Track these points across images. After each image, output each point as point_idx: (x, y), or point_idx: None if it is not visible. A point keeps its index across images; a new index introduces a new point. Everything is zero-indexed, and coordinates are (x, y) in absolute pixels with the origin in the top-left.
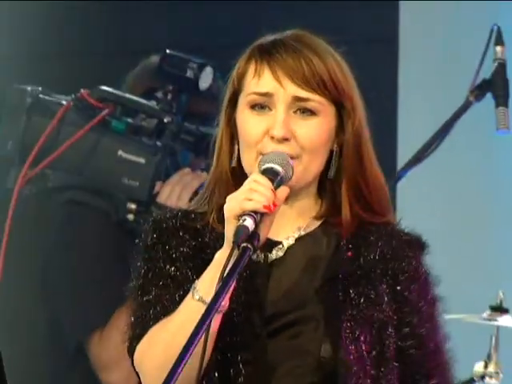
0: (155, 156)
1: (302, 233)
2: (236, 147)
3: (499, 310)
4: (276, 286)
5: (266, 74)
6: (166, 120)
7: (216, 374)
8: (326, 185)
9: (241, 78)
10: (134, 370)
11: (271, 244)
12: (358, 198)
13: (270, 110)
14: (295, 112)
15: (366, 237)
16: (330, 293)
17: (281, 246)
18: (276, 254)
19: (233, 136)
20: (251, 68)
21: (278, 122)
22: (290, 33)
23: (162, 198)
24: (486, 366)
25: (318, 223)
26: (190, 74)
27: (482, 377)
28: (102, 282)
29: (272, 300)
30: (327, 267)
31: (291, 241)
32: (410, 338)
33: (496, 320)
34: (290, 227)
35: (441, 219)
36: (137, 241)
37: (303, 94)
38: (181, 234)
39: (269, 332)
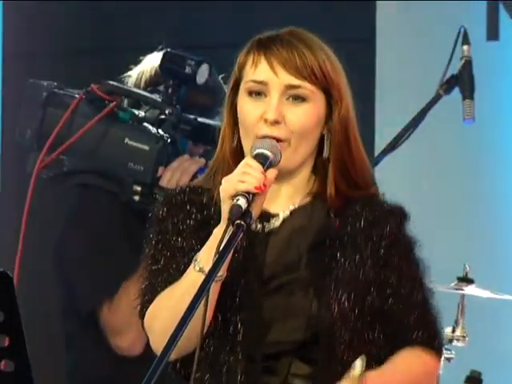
0: (158, 143)
1: (297, 206)
2: (236, 131)
3: (465, 280)
4: (272, 252)
5: (263, 64)
6: (167, 111)
7: (217, 333)
8: (319, 165)
9: (241, 68)
10: (144, 331)
11: (269, 216)
12: (345, 176)
13: (266, 96)
14: (287, 99)
15: (352, 208)
16: (318, 257)
17: (277, 217)
18: (273, 224)
19: (235, 121)
20: (250, 59)
21: (271, 106)
22: (287, 29)
23: (163, 182)
24: (453, 331)
25: (310, 198)
26: (188, 70)
27: (451, 340)
28: (111, 256)
29: (268, 264)
30: (316, 235)
31: (287, 213)
32: (392, 297)
33: (462, 289)
34: (286, 202)
35: (413, 199)
36: (150, 214)
37: (295, 82)
38: (188, 207)
39: (265, 293)
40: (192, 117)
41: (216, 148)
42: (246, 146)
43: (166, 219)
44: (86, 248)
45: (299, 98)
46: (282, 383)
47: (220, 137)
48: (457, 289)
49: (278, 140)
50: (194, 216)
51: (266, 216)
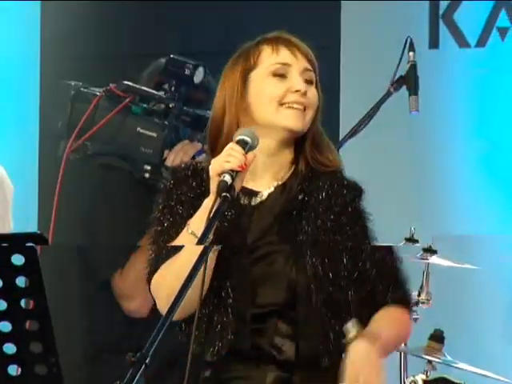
0: (163, 131)
1: (279, 183)
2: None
3: (429, 251)
4: (256, 224)
5: (284, 50)
6: (170, 105)
7: (211, 297)
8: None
9: (255, 58)
10: (151, 295)
11: (255, 192)
12: (317, 150)
13: (286, 78)
14: (305, 81)
15: (316, 183)
16: (285, 225)
17: (262, 194)
18: (259, 199)
19: (238, 106)
20: (266, 49)
21: (299, 81)
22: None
23: (168, 162)
24: (419, 295)
25: (293, 175)
26: (187, 72)
27: (417, 303)
28: (123, 227)
29: (253, 235)
30: (284, 206)
31: (270, 190)
32: (366, 263)
33: (427, 259)
34: (271, 180)
35: (370, 174)
36: (160, 185)
37: (309, 66)
38: (190, 181)
39: (251, 261)
40: (191, 110)
41: None
42: (268, 115)
43: (172, 190)
44: (104, 217)
45: (309, 82)
46: (269, 343)
47: (225, 123)
48: (422, 258)
49: (305, 108)
50: (194, 189)
51: (252, 192)
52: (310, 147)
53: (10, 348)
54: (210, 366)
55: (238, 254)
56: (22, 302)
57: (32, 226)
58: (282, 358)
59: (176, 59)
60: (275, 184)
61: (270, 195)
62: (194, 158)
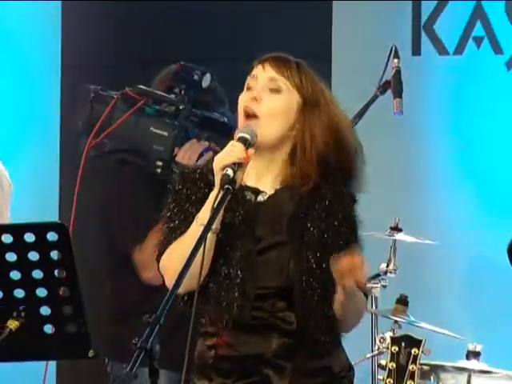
0: (174, 131)
1: (279, 187)
2: None
3: (396, 229)
4: (261, 219)
5: (258, 66)
6: (180, 107)
7: (221, 277)
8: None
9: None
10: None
11: (259, 191)
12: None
13: (254, 90)
14: (269, 90)
15: (319, 190)
16: (295, 226)
17: (265, 193)
18: (262, 198)
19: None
20: (254, 67)
21: (256, 89)
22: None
23: (178, 158)
24: (387, 266)
25: (288, 182)
26: (196, 77)
27: (385, 272)
28: (140, 212)
29: (259, 228)
30: (293, 210)
31: (272, 191)
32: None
33: (394, 236)
34: (271, 182)
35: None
36: (169, 186)
37: (275, 75)
38: (198, 183)
39: (257, 249)
40: (198, 111)
41: (216, 134)
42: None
43: (181, 190)
44: (122, 206)
45: (276, 91)
46: (271, 316)
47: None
48: (390, 235)
49: (253, 115)
50: (201, 189)
51: (257, 191)
52: (299, 159)
53: (46, 310)
54: (216, 336)
55: (247, 242)
56: (56, 272)
57: (53, 216)
58: (284, 327)
59: (186, 66)
60: (277, 185)
61: (272, 196)
62: (201, 154)
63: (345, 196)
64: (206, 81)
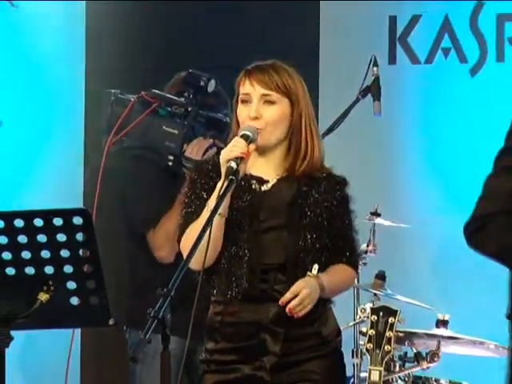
0: (183, 129)
1: (280, 177)
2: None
3: (375, 214)
4: (265, 205)
5: (247, 83)
6: (189, 109)
7: (232, 255)
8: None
9: (238, 88)
10: (180, 250)
11: (263, 181)
12: (299, 156)
13: (250, 103)
14: (263, 103)
15: (315, 178)
16: (293, 210)
17: (268, 183)
18: (265, 187)
19: (237, 120)
20: (241, 82)
21: (252, 108)
22: (268, 61)
23: (187, 153)
24: (367, 246)
25: (288, 171)
26: (202, 83)
27: (366, 252)
28: (154, 200)
29: (263, 213)
30: (293, 196)
31: (274, 180)
32: (336, 235)
33: (373, 220)
34: (272, 173)
35: (344, 163)
36: (184, 175)
37: (266, 92)
38: (211, 174)
39: (261, 230)
40: (204, 113)
41: (219, 133)
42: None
43: (197, 180)
44: (138, 194)
45: (270, 102)
46: (271, 288)
47: (231, 133)
48: (370, 220)
49: (258, 129)
50: (214, 179)
51: (261, 180)
52: (296, 154)
53: (72, 285)
54: (223, 304)
55: (253, 224)
56: (80, 251)
57: (78, 203)
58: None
59: (194, 73)
60: (278, 176)
61: (274, 184)
62: (207, 150)
63: (337, 181)
64: (211, 86)
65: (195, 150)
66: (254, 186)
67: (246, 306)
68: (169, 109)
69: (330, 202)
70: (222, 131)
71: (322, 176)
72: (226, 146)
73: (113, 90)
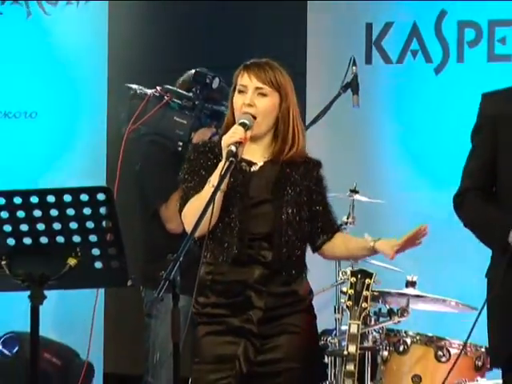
0: (191, 120)
1: (267, 159)
2: (233, 115)
3: (354, 191)
4: (253, 183)
5: (245, 75)
6: (196, 103)
7: (224, 225)
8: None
9: (235, 79)
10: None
11: (252, 163)
12: (286, 142)
13: (245, 93)
14: (257, 95)
15: (295, 162)
16: (277, 188)
17: (256, 165)
18: (254, 168)
19: (232, 109)
20: (240, 74)
21: (248, 97)
22: (263, 59)
23: (194, 140)
24: (347, 218)
25: (273, 155)
26: (208, 80)
27: (346, 223)
28: (166, 180)
29: (252, 189)
30: (276, 176)
31: (261, 163)
32: (318, 207)
33: (352, 196)
34: (260, 156)
35: (328, 148)
36: (187, 155)
37: (260, 85)
38: (208, 154)
39: (250, 205)
40: (210, 106)
41: (221, 123)
42: (237, 120)
43: (195, 159)
44: (152, 174)
45: (262, 94)
46: (256, 253)
47: (226, 118)
48: (349, 196)
49: (253, 116)
50: (210, 159)
51: (250, 163)
52: (283, 140)
53: (96, 251)
54: (213, 266)
55: (243, 200)
56: (103, 223)
57: (102, 182)
58: (265, 261)
59: (201, 72)
60: (265, 159)
61: (262, 166)
62: (210, 137)
63: (314, 164)
64: (216, 83)
65: (201, 138)
66: (244, 168)
67: (234, 268)
68: (179, 102)
69: (308, 182)
70: (223, 122)
71: (301, 160)
72: (222, 131)
73: (133, 86)
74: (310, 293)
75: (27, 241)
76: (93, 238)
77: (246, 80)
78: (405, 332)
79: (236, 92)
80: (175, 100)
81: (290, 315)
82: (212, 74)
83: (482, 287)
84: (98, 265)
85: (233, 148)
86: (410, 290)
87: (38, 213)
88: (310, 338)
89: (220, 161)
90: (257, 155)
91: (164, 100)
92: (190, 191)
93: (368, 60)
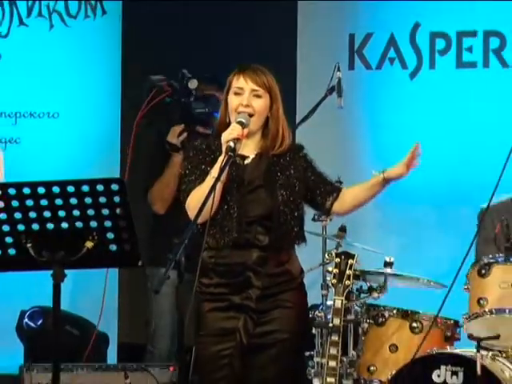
0: (175, 116)
1: (258, 152)
2: (227, 114)
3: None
4: (247, 173)
5: (241, 78)
6: (182, 100)
7: (224, 211)
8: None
9: (230, 82)
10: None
11: (244, 156)
12: (275, 137)
13: (241, 95)
14: (253, 96)
15: (285, 153)
16: (269, 175)
17: (249, 158)
18: (247, 161)
19: (226, 109)
20: (235, 77)
21: (245, 98)
22: (254, 65)
23: (168, 138)
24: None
25: (263, 148)
26: (185, 81)
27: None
28: (152, 168)
29: (247, 179)
30: (267, 165)
31: (253, 155)
32: (313, 179)
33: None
34: (252, 150)
35: (314, 141)
36: (185, 154)
37: (255, 87)
38: (206, 151)
39: (246, 191)
40: (188, 103)
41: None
42: (233, 119)
43: (195, 156)
44: (160, 159)
45: (258, 96)
46: (253, 237)
47: (219, 118)
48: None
49: (250, 114)
50: (208, 155)
51: (243, 157)
52: (273, 135)
53: (110, 235)
54: (215, 249)
55: (239, 188)
56: (118, 210)
57: (116, 174)
58: (261, 245)
59: (184, 74)
60: (255, 153)
61: (253, 159)
62: (180, 134)
63: (297, 147)
64: (193, 83)
65: (171, 135)
66: (238, 161)
67: (234, 252)
68: (171, 98)
69: (295, 164)
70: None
71: (286, 150)
72: (215, 129)
73: (154, 77)
74: (302, 272)
75: (50, 226)
76: (108, 223)
77: (242, 83)
78: (383, 307)
79: (231, 93)
80: (172, 96)
81: (284, 292)
82: (189, 75)
83: (452, 267)
84: (113, 247)
85: (231, 144)
86: (388, 270)
87: (59, 201)
88: (301, 312)
89: (216, 156)
90: (249, 150)
91: (163, 95)
92: (191, 184)
93: (351, 66)
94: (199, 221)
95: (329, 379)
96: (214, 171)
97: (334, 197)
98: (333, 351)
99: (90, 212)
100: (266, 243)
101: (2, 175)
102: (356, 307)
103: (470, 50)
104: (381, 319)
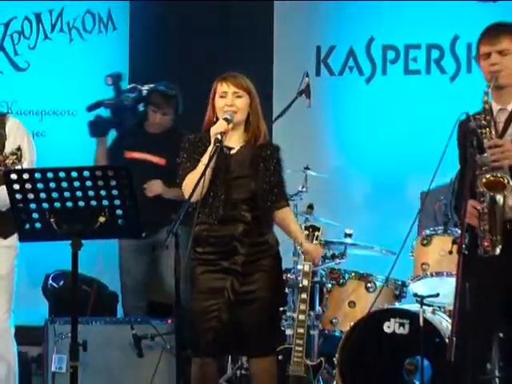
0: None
1: (242, 144)
2: (214, 114)
3: (306, 168)
4: (233, 163)
5: (224, 84)
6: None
7: (213, 193)
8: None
9: (215, 88)
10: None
11: (230, 148)
12: (255, 131)
13: (225, 97)
14: (236, 97)
15: (263, 146)
16: (252, 165)
17: (234, 149)
18: (233, 151)
19: (213, 110)
20: (219, 84)
21: (228, 99)
22: (235, 73)
23: None
24: (302, 187)
25: (246, 141)
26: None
27: (301, 191)
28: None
29: (232, 167)
30: (250, 157)
31: (238, 147)
32: (278, 180)
33: (306, 172)
34: (236, 142)
35: (289, 138)
36: (182, 145)
37: (236, 90)
38: (199, 144)
39: (231, 178)
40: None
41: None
42: (219, 117)
43: (190, 147)
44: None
45: (239, 96)
46: (239, 214)
47: (207, 117)
48: (303, 171)
49: (234, 112)
50: (201, 147)
51: (229, 148)
52: (253, 130)
53: (119, 212)
54: (206, 224)
55: (226, 174)
56: (125, 191)
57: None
58: (245, 220)
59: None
60: (240, 145)
61: (238, 150)
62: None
63: (275, 148)
64: (144, 92)
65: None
66: (225, 151)
67: (223, 226)
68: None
69: (272, 160)
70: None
71: (266, 144)
72: (204, 126)
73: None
74: (277, 242)
75: (69, 204)
76: (117, 202)
77: (225, 87)
78: (343, 270)
79: (217, 97)
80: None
81: (264, 258)
82: (116, 74)
83: (399, 237)
84: (121, 222)
85: (219, 136)
86: (348, 240)
87: (77, 183)
88: (277, 275)
89: (206, 147)
90: (234, 142)
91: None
92: (187, 170)
93: (317, 73)
94: (193, 199)
95: (299, 330)
96: (205, 159)
97: (280, 204)
98: (302, 307)
99: (103, 193)
100: (250, 219)
101: (32, 162)
102: (321, 271)
103: (415, 59)
104: (342, 280)
